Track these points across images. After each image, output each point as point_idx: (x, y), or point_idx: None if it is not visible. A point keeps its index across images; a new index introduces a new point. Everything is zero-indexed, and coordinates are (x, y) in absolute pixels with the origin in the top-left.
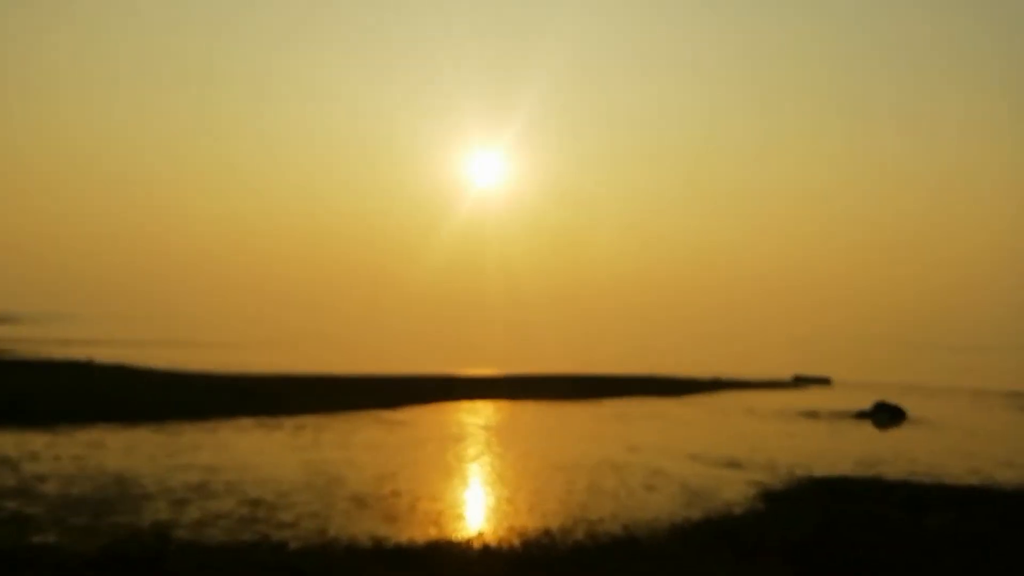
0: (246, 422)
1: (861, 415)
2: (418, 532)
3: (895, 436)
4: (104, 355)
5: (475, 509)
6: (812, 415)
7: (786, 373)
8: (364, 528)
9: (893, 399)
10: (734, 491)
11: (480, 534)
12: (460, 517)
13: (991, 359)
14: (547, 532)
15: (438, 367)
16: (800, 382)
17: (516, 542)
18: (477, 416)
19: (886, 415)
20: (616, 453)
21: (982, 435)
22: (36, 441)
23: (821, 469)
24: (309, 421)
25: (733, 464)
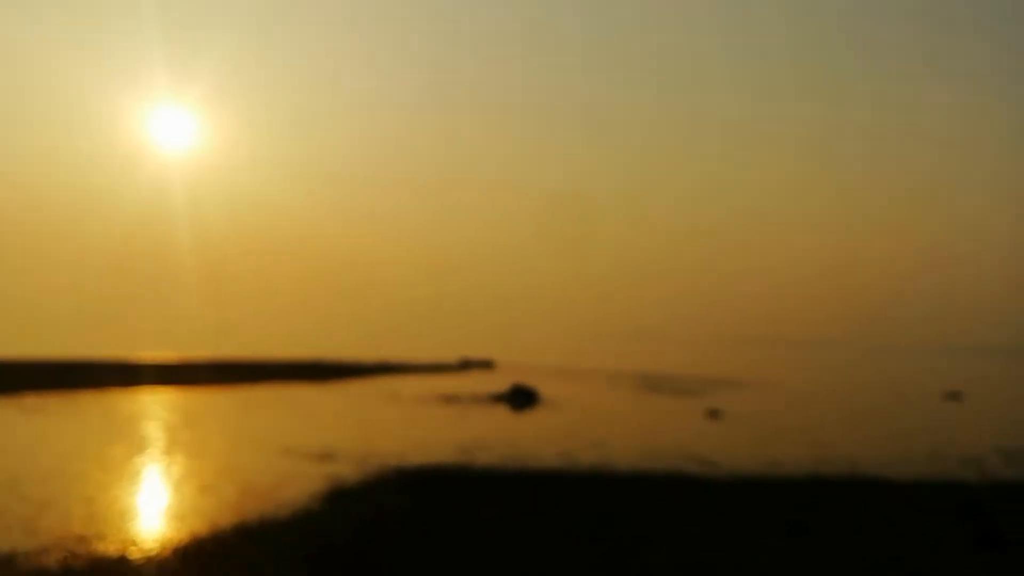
0: None
1: (498, 398)
2: None
3: (519, 419)
4: None
5: None
6: (452, 399)
7: (454, 356)
8: None
9: (541, 381)
10: (301, 488)
11: None
12: None
13: (643, 344)
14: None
15: (96, 350)
16: (465, 365)
17: None
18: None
19: (521, 398)
20: (206, 449)
21: (595, 415)
22: None
23: (417, 458)
24: None
25: (326, 456)
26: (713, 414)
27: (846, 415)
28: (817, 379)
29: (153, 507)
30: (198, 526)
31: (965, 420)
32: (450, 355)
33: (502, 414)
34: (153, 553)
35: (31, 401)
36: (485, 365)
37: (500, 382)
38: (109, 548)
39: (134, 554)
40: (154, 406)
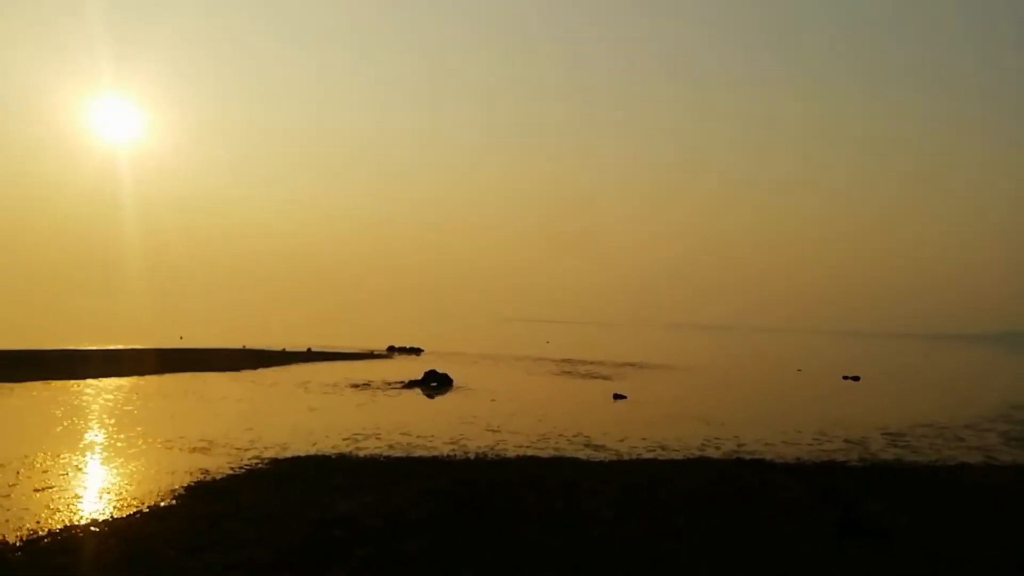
0: None
1: (412, 384)
2: None
3: (427, 404)
4: None
5: None
6: (364, 386)
7: (382, 344)
8: None
9: (462, 368)
10: (159, 484)
11: None
12: None
13: (574, 330)
14: None
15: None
16: (393, 352)
17: None
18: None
19: (434, 383)
20: (78, 442)
21: (504, 400)
22: None
23: (304, 447)
24: None
25: (205, 448)
26: (618, 397)
27: (747, 397)
28: (728, 363)
29: None
30: (9, 531)
31: (858, 402)
32: (382, 345)
33: (411, 399)
34: None
35: None
36: (413, 352)
37: (420, 368)
38: None
39: None
40: (52, 396)
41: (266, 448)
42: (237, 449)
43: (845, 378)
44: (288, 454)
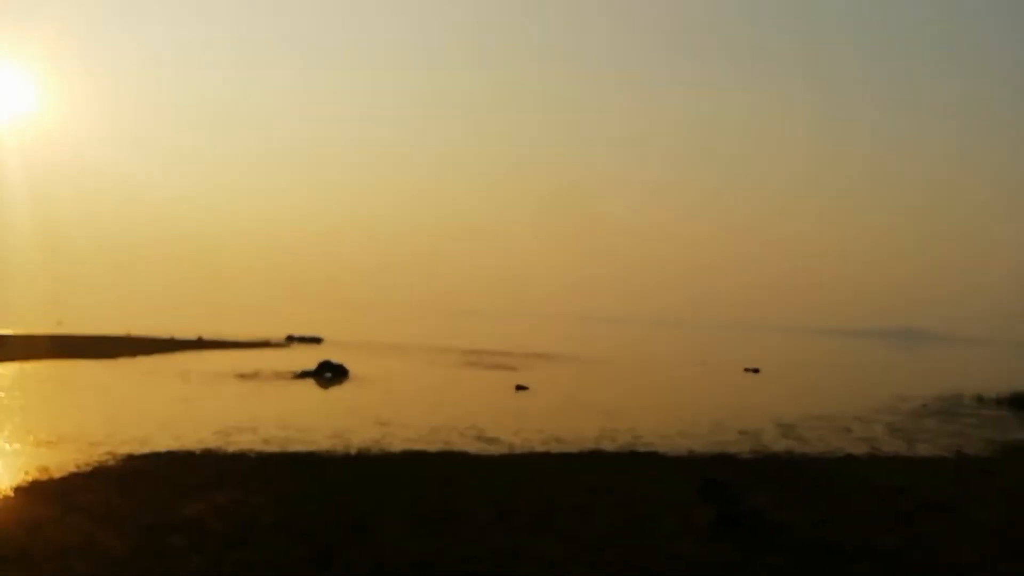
0: None
1: (304, 374)
2: None
3: (317, 395)
4: None
5: None
6: (252, 376)
7: (283, 334)
8: None
9: (362, 358)
10: None
11: None
12: None
13: (482, 321)
14: None
15: None
16: (292, 341)
17: None
18: None
19: (328, 374)
20: None
21: (401, 391)
22: None
23: (166, 442)
24: None
25: (52, 443)
26: (520, 388)
27: (650, 388)
28: (636, 355)
29: None
30: None
31: (755, 394)
32: (281, 333)
33: (300, 390)
34: None
35: None
36: (313, 341)
37: (316, 358)
38: None
39: None
40: None
41: (122, 443)
42: (89, 444)
43: (746, 370)
44: (145, 449)
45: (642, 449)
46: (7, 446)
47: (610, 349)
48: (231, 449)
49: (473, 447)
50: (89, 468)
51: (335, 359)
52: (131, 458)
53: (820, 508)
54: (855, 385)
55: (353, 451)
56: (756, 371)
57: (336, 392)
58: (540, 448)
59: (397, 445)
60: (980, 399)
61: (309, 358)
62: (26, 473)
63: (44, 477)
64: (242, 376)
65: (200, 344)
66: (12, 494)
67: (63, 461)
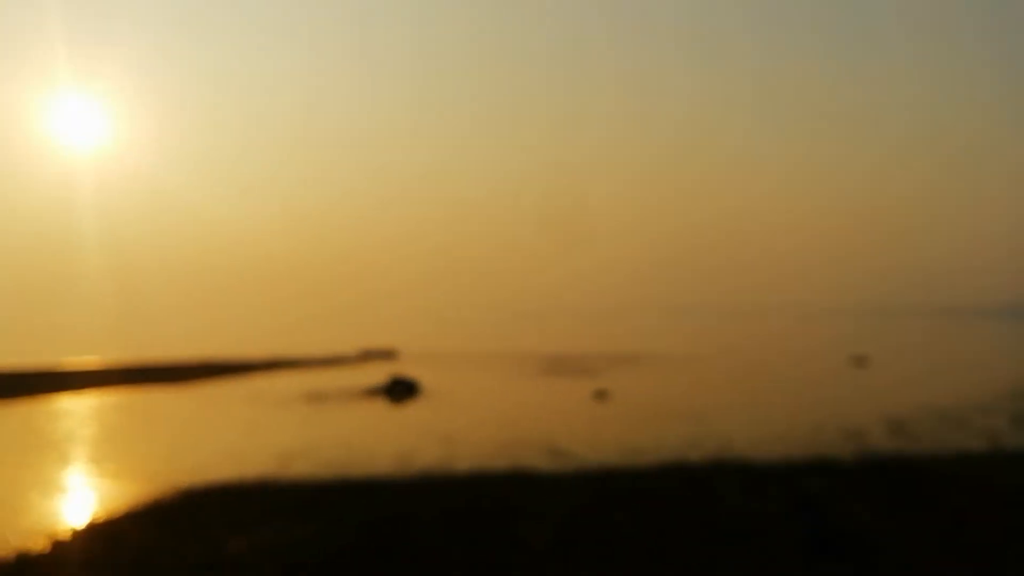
0: None
1: (374, 392)
2: None
3: (386, 415)
4: None
5: None
6: (321, 396)
7: (356, 348)
8: None
9: (438, 370)
10: (47, 523)
11: None
12: None
13: (561, 322)
14: None
15: None
16: (367, 356)
17: None
18: None
19: (399, 390)
20: None
21: (475, 406)
22: None
23: (224, 472)
24: None
25: (113, 476)
26: (600, 395)
27: (743, 387)
28: (726, 348)
29: None
30: None
31: (866, 388)
32: (355, 348)
33: (367, 410)
34: None
35: None
36: (387, 355)
37: (391, 373)
38: None
39: None
40: None
41: (180, 475)
42: (147, 477)
43: (852, 358)
44: (202, 481)
45: (730, 458)
46: (69, 481)
47: (696, 343)
48: (288, 477)
49: (543, 464)
50: (145, 504)
51: (409, 373)
52: (186, 491)
53: (931, 518)
54: (971, 371)
55: (415, 474)
56: (863, 360)
57: (404, 411)
58: (616, 462)
59: (462, 465)
60: None
61: (381, 374)
62: (77, 513)
63: (100, 517)
64: (311, 396)
65: (273, 364)
66: (61, 539)
67: (117, 497)
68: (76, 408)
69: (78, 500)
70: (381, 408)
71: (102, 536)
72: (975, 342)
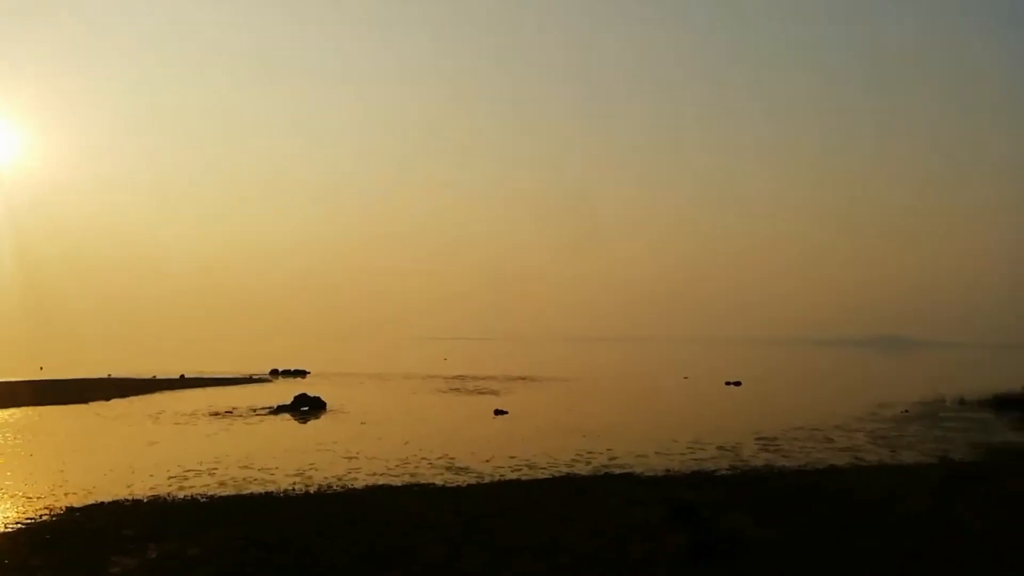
0: None
1: (280, 409)
2: None
3: (285, 430)
4: None
5: None
6: (227, 413)
7: (268, 369)
8: None
9: (344, 389)
10: None
11: None
12: None
13: (477, 346)
14: None
15: None
16: (276, 375)
17: None
18: None
19: (305, 407)
20: None
21: (379, 422)
22: None
23: (115, 490)
24: None
25: None
26: (499, 413)
27: (630, 406)
28: (618, 372)
29: None
30: None
31: (736, 407)
32: (267, 368)
33: (273, 426)
34: None
35: None
36: (298, 375)
37: (299, 391)
38: None
39: None
40: None
41: (67, 494)
42: (30, 498)
43: (728, 384)
44: (90, 500)
45: (617, 470)
46: None
47: (592, 368)
48: (182, 495)
49: (441, 478)
50: (22, 524)
51: (317, 392)
52: (71, 510)
53: (801, 525)
54: (836, 394)
55: (313, 489)
56: (738, 384)
57: (308, 427)
58: (511, 475)
59: (361, 480)
60: (962, 402)
61: (290, 392)
62: None
63: None
64: (216, 414)
65: (181, 383)
66: None
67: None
68: None
69: None
70: (286, 424)
71: None
72: (845, 368)
